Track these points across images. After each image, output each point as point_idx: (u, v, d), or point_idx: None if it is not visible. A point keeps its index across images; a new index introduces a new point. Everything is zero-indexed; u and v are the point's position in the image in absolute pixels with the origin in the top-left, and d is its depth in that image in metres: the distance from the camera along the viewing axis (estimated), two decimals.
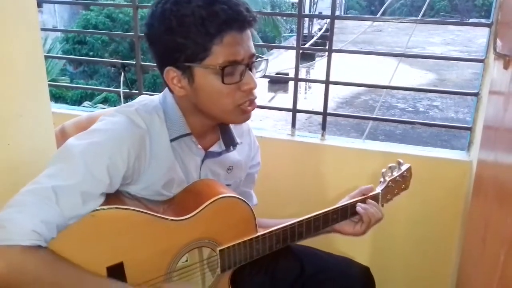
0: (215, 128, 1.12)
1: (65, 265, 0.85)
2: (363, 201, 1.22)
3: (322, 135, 1.83)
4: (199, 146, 1.08)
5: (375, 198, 1.24)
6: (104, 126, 0.97)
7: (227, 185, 1.17)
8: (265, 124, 7.74)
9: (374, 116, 2.13)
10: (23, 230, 0.81)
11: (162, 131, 1.02)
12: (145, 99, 1.07)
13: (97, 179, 0.90)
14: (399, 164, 1.30)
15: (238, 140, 1.15)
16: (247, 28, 0.96)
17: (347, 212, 1.20)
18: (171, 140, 1.03)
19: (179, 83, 0.99)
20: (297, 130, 1.87)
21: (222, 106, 0.99)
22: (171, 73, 0.98)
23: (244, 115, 1.02)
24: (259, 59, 1.02)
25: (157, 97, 1.09)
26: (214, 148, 1.12)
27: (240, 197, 1.07)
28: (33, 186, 0.86)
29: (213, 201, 1.02)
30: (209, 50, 0.93)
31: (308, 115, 8.26)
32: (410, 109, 10.47)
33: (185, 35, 0.92)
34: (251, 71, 0.99)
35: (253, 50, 0.99)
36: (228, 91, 0.96)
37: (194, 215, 1.00)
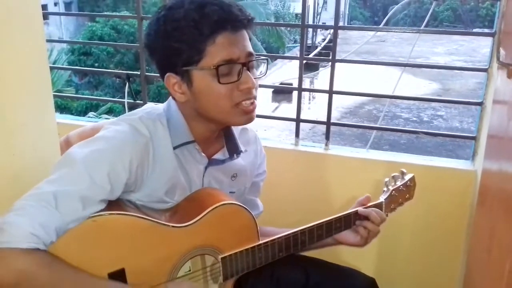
0: (219, 135, 1.12)
1: (64, 267, 0.85)
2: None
3: (326, 145, 1.83)
4: (203, 154, 1.09)
5: (378, 207, 1.23)
6: (107, 134, 0.98)
7: (231, 192, 1.18)
8: (269, 134, 7.75)
9: (378, 125, 2.12)
10: (22, 233, 0.82)
11: (165, 139, 1.03)
12: (149, 107, 1.09)
13: (98, 185, 0.91)
14: (403, 173, 1.29)
15: (242, 148, 1.15)
16: (241, 28, 0.97)
17: (351, 220, 1.19)
18: (174, 148, 1.04)
19: (180, 88, 1.00)
20: (301, 140, 1.87)
21: (221, 107, 0.99)
22: (172, 79, 1.00)
23: (245, 115, 1.02)
24: (259, 58, 1.03)
25: (161, 105, 1.10)
26: (218, 155, 1.12)
27: (242, 205, 1.07)
28: (34, 192, 0.88)
29: (214, 208, 1.02)
30: (203, 51, 0.94)
31: (312, 125, 8.27)
32: (414, 118, 10.46)
33: (180, 39, 0.94)
34: (249, 71, 0.99)
35: (250, 49, 0.99)
36: (225, 91, 0.97)
37: (195, 222, 1.00)
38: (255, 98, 1.02)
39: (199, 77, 0.97)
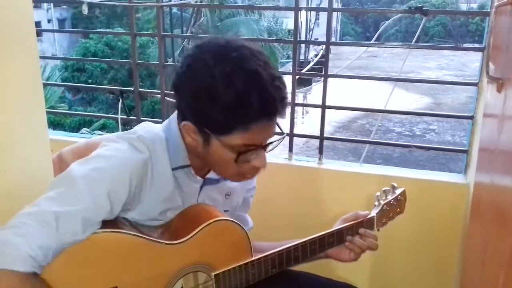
0: None
1: None
2: (358, 225, 1.21)
3: (319, 159, 1.84)
4: (197, 177, 1.08)
5: (370, 221, 1.23)
6: (107, 152, 0.97)
7: (225, 211, 1.17)
8: None
9: (371, 139, 2.13)
10: (20, 255, 0.79)
11: (164, 159, 1.01)
12: (147, 126, 1.07)
13: (98, 205, 0.89)
14: (393, 188, 1.30)
15: None
16: (276, 117, 0.95)
17: (343, 236, 1.19)
18: (173, 169, 1.03)
19: (195, 136, 0.98)
20: (295, 154, 1.88)
21: (226, 172, 1.03)
22: (189, 127, 0.98)
23: (244, 179, 1.06)
24: (277, 138, 1.01)
25: (159, 125, 1.08)
26: (211, 175, 1.12)
27: (235, 221, 1.06)
28: (33, 209, 0.85)
29: (208, 224, 1.01)
30: (231, 131, 0.92)
31: (305, 140, 8.30)
32: (407, 133, 10.53)
33: (212, 107, 0.90)
34: (265, 149, 0.99)
35: (275, 130, 0.99)
36: (236, 164, 0.97)
37: (189, 239, 0.99)
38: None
39: (217, 145, 0.95)
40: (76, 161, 0.95)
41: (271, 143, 1.00)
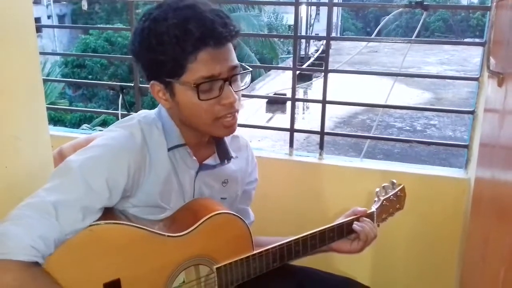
0: (210, 141, 1.13)
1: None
2: (359, 219, 1.22)
3: (320, 154, 1.84)
4: (194, 157, 1.08)
5: (370, 217, 1.24)
6: (103, 141, 0.99)
7: (223, 198, 1.17)
8: (263, 144, 7.75)
9: (371, 135, 2.13)
10: (21, 245, 0.80)
11: (161, 141, 1.04)
12: (143, 112, 1.10)
13: (96, 192, 0.91)
14: (393, 184, 1.31)
15: (233, 154, 1.15)
16: (225, 43, 0.96)
17: (343, 230, 1.20)
18: (168, 150, 1.04)
19: (163, 96, 1.01)
20: (295, 149, 1.88)
21: (202, 120, 1.00)
22: (156, 87, 1.01)
23: (226, 129, 1.03)
24: (242, 71, 1.03)
25: (153, 111, 1.11)
26: (209, 161, 1.12)
27: (236, 214, 1.07)
28: (32, 200, 0.86)
29: (209, 217, 1.02)
30: (184, 67, 0.94)
31: (306, 135, 8.28)
32: (408, 128, 10.53)
33: (163, 53, 0.94)
34: (232, 85, 0.99)
35: (234, 62, 0.99)
36: (206, 106, 0.97)
37: (191, 231, 1.00)
38: (237, 111, 1.02)
39: (180, 91, 0.98)
40: (74, 153, 0.97)
41: (234, 75, 0.99)
